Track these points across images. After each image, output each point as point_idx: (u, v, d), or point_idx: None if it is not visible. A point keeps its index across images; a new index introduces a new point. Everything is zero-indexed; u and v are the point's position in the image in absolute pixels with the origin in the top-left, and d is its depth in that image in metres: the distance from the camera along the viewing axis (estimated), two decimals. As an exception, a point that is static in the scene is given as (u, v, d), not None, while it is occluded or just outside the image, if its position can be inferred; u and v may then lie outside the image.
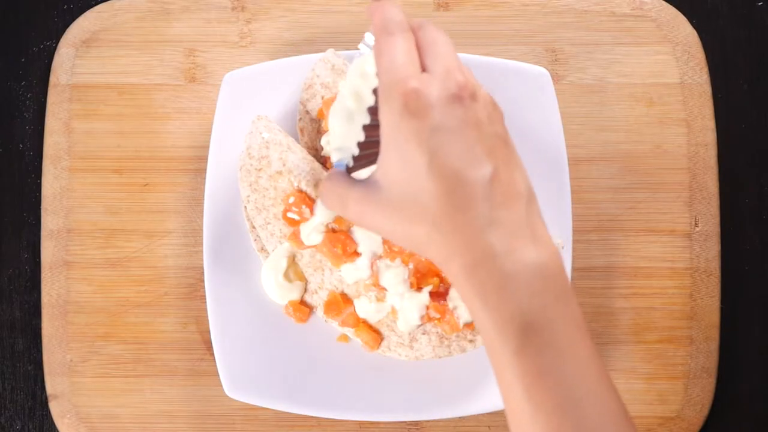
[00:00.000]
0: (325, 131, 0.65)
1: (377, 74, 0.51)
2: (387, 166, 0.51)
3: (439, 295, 0.63)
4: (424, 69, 0.51)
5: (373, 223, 0.53)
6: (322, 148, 0.66)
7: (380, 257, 0.62)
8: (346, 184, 0.54)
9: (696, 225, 0.71)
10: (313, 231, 0.63)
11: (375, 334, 0.64)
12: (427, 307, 0.62)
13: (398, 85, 0.49)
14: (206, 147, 0.67)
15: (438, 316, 0.63)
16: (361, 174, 0.56)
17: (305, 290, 0.65)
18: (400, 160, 0.50)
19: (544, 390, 0.47)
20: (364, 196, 0.53)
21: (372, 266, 0.62)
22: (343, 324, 0.65)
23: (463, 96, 0.50)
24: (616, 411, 0.48)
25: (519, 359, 0.48)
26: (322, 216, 0.62)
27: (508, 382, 0.48)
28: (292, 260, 0.65)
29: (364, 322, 0.64)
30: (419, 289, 0.62)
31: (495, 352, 0.49)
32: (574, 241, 0.68)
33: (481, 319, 0.49)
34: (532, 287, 0.48)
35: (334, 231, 0.63)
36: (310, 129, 0.67)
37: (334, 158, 0.57)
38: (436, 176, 0.49)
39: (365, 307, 0.64)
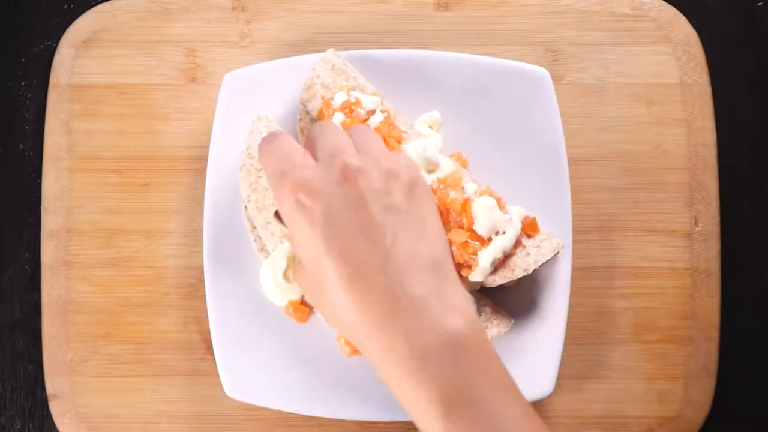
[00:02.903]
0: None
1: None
2: (297, 248, 0.53)
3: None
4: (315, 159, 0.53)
5: (305, 289, 0.56)
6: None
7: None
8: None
9: (696, 225, 0.71)
10: None
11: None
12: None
13: (285, 181, 0.51)
14: (206, 147, 0.67)
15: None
16: None
17: (305, 290, 0.66)
18: (303, 247, 0.52)
19: None
20: (299, 274, 0.55)
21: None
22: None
23: (348, 176, 0.51)
24: None
25: None
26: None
27: None
28: (292, 260, 0.65)
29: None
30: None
31: None
32: (574, 241, 0.68)
33: (404, 402, 0.49)
34: (448, 362, 0.47)
35: None
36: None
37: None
38: (335, 261, 0.49)
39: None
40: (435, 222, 0.52)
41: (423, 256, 0.50)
